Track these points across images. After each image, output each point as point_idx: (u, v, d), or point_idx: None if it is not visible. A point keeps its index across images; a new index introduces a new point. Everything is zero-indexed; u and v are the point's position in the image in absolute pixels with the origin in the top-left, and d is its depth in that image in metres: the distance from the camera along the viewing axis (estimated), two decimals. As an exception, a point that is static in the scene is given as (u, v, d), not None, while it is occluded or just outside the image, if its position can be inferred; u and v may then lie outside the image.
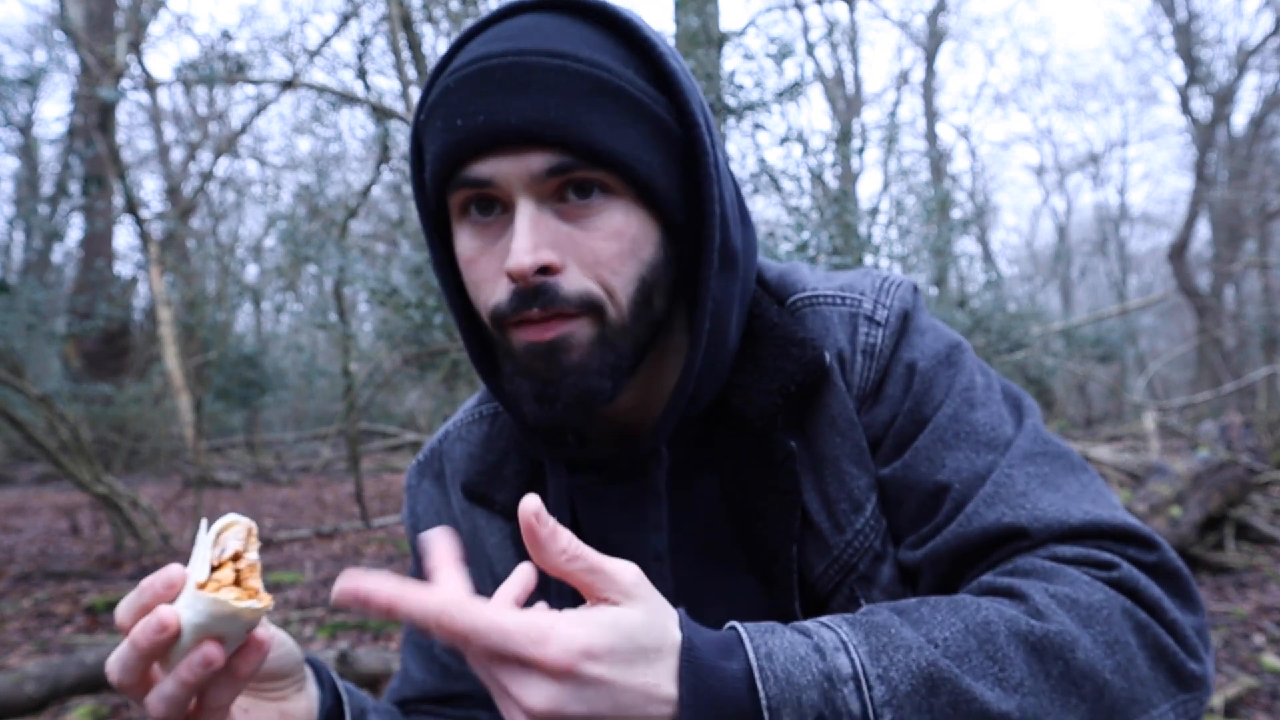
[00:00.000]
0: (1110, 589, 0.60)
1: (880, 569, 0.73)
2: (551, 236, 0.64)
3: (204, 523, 0.59)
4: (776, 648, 0.54)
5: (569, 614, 0.50)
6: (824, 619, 0.58)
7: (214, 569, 0.57)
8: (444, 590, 0.52)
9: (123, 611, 0.58)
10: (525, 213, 0.64)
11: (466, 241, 0.69)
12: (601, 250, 0.65)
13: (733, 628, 0.56)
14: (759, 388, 0.72)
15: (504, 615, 0.49)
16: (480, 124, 0.62)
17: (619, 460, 0.76)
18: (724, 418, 0.75)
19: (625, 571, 0.52)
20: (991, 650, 0.55)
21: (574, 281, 0.65)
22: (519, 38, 0.64)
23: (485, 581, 0.85)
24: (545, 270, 0.64)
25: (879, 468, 0.73)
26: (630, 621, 0.51)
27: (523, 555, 0.80)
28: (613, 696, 0.49)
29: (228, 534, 0.59)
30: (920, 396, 0.72)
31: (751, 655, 0.53)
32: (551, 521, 0.52)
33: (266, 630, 0.62)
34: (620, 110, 0.64)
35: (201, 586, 0.56)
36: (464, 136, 0.63)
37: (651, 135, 0.66)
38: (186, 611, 0.56)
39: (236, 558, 0.58)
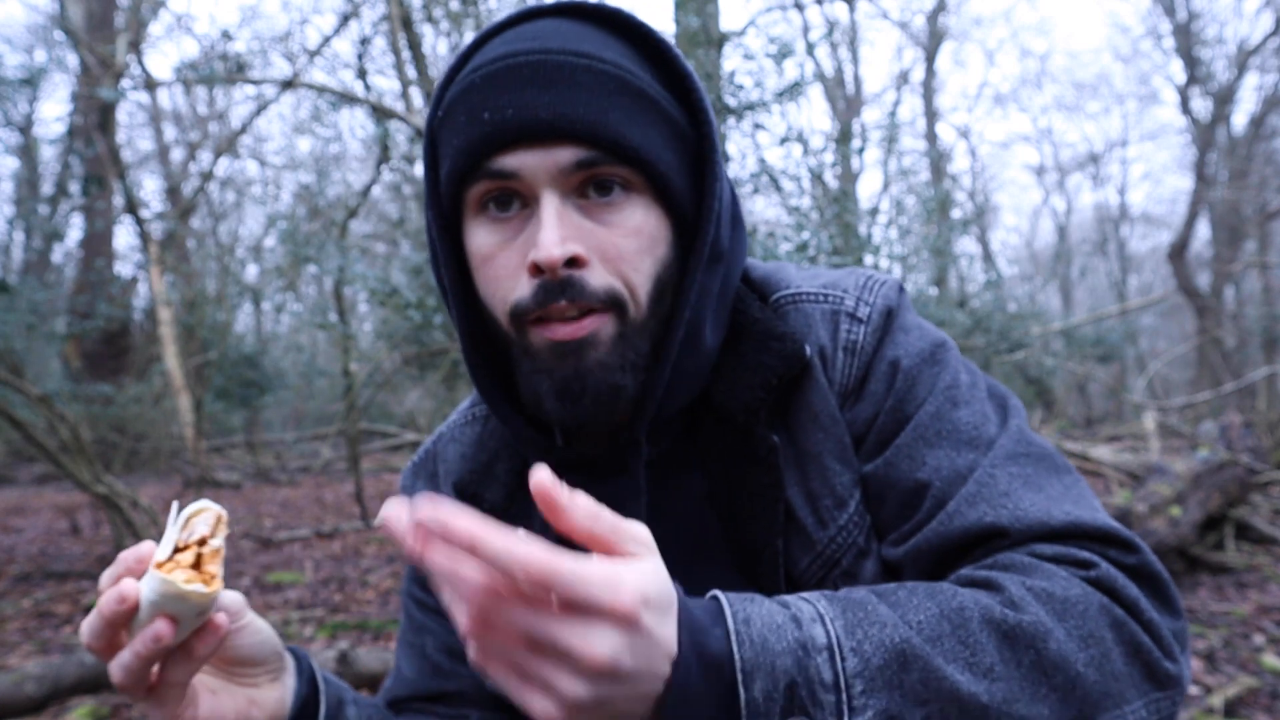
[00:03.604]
0: (1088, 586, 0.61)
1: (863, 565, 0.73)
2: (576, 231, 0.65)
3: (175, 505, 0.62)
4: (754, 615, 0.54)
5: (620, 561, 0.48)
6: (803, 594, 0.58)
7: (177, 550, 0.60)
8: (515, 538, 0.47)
9: (103, 579, 0.62)
10: (551, 205, 0.65)
11: (483, 237, 0.69)
12: (623, 247, 0.66)
13: (714, 595, 0.56)
14: (742, 383, 0.73)
15: (577, 561, 0.45)
16: (509, 117, 0.63)
17: (603, 457, 0.77)
18: (707, 414, 0.75)
19: (640, 527, 0.51)
20: (964, 635, 0.56)
21: (599, 277, 0.66)
22: (543, 38, 0.66)
23: None
24: (573, 263, 0.65)
25: (862, 464, 0.74)
26: (662, 572, 0.50)
27: None
28: (648, 649, 0.47)
29: (197, 519, 0.61)
30: (903, 394, 0.73)
31: (730, 619, 0.53)
32: (565, 486, 0.49)
33: (233, 616, 0.65)
34: (641, 110, 0.66)
35: (160, 566, 0.58)
36: (491, 129, 0.64)
37: (669, 136, 0.68)
38: (145, 588, 0.59)
39: (202, 542, 0.61)
